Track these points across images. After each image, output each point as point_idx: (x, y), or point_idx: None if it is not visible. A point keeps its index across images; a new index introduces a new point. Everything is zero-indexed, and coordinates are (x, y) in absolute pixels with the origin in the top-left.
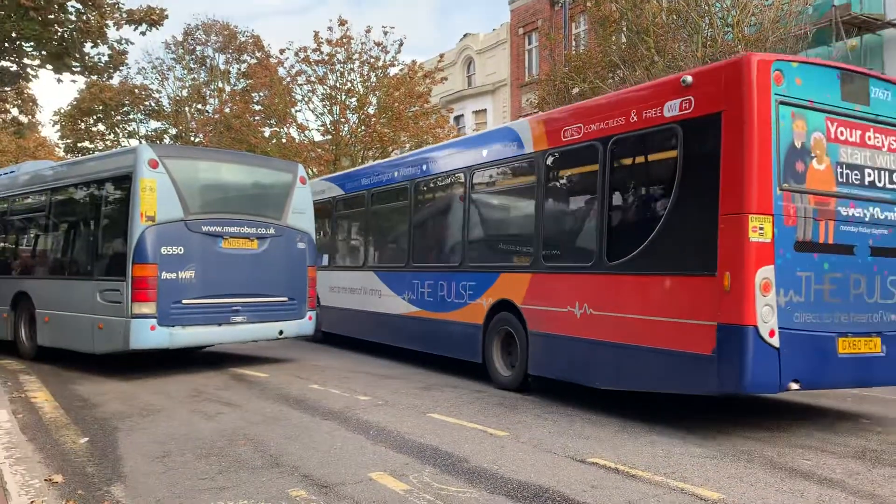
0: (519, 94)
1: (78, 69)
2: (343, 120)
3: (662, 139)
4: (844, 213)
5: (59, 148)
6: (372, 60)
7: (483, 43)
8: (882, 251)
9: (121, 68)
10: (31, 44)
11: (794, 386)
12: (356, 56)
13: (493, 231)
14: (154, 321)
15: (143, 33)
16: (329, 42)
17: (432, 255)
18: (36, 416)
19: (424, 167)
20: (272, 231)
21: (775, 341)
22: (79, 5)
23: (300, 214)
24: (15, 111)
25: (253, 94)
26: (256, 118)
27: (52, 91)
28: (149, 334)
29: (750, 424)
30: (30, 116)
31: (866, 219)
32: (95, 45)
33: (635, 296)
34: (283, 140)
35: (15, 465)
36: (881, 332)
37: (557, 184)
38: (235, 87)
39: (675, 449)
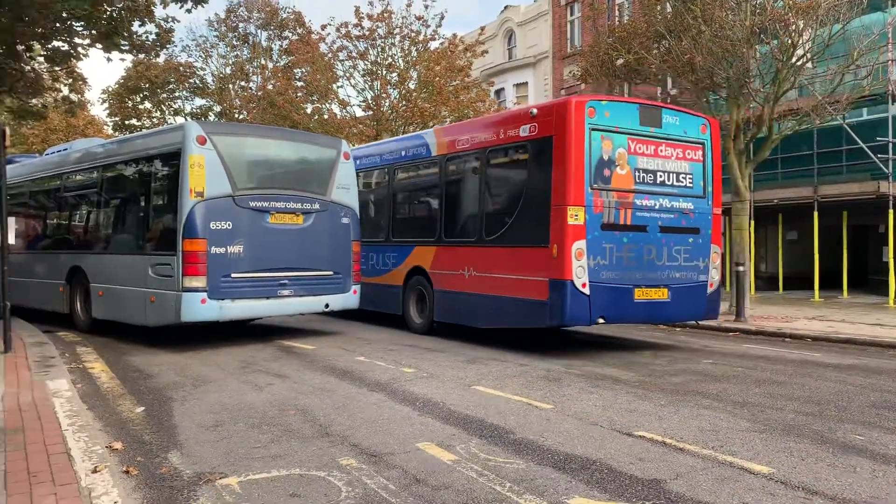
0: (561, 67)
1: (126, 48)
2: (384, 95)
3: (519, 152)
4: (640, 204)
5: (108, 126)
6: (412, 35)
7: (524, 15)
8: (668, 229)
9: (167, 46)
10: (82, 23)
11: (601, 321)
12: (397, 31)
13: (410, 214)
14: (204, 294)
15: (188, 11)
16: (370, 17)
17: (366, 232)
18: (94, 386)
19: (359, 162)
20: (317, 206)
21: (586, 291)
22: None
23: (344, 189)
24: (66, 90)
25: (295, 71)
26: (299, 94)
27: (99, 69)
28: (200, 307)
29: (797, 399)
30: (79, 95)
31: (656, 207)
32: (143, 24)
33: (502, 262)
34: (325, 116)
35: (77, 433)
36: (668, 284)
37: (453, 180)
38: (278, 64)
39: (723, 423)
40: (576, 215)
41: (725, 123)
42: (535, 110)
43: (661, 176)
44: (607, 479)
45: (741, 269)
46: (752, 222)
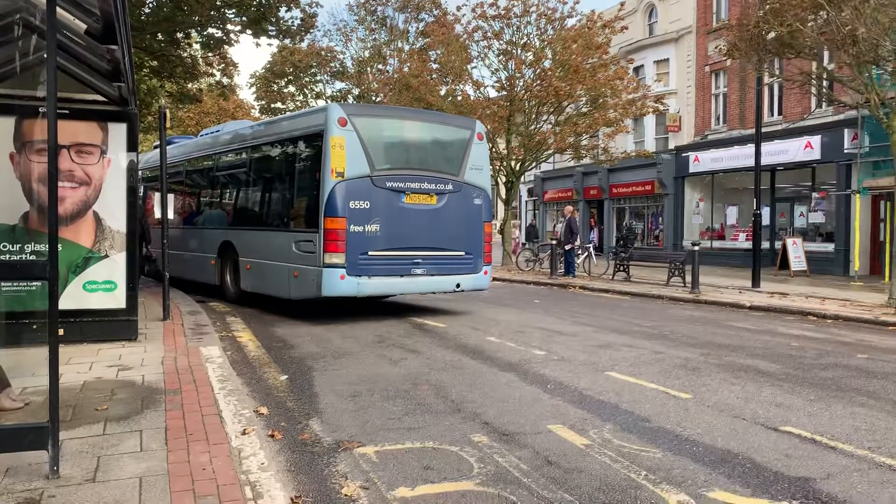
0: (705, 42)
1: (273, 33)
2: (518, 75)
3: None
4: None
5: (255, 109)
6: (549, 12)
7: None
8: None
9: (310, 31)
10: (233, 10)
11: None
12: (533, 9)
13: None
14: (343, 271)
15: None
16: None
17: None
18: (242, 354)
19: None
20: (450, 187)
21: None
22: None
23: (477, 171)
24: (218, 75)
25: (430, 53)
26: (433, 76)
27: (248, 55)
28: (339, 283)
29: None
30: (230, 79)
31: None
32: (289, 9)
33: None
34: (459, 97)
35: (228, 397)
36: None
37: None
38: (414, 47)
39: (880, 423)
40: None
41: (890, 101)
42: None
43: None
44: (750, 474)
45: None
46: None
